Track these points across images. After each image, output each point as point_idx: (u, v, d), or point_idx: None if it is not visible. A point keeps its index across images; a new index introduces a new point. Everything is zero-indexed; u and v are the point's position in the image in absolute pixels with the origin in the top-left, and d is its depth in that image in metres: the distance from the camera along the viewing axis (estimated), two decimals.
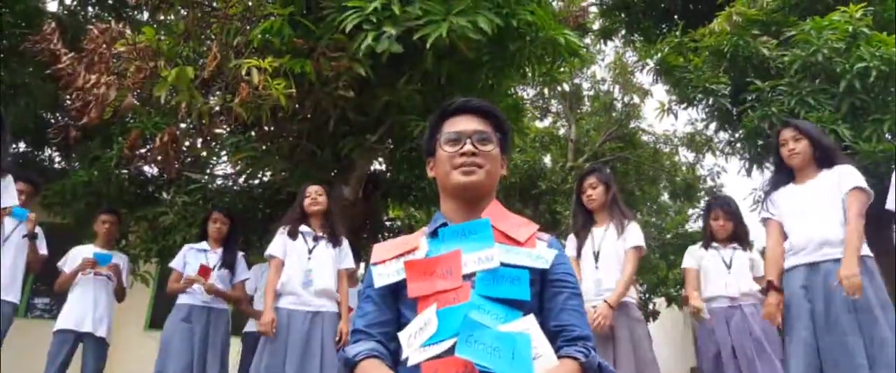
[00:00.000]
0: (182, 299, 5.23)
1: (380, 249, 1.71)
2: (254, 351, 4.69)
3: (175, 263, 5.38)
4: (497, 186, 1.73)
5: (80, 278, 5.38)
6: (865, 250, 3.41)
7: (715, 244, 4.81)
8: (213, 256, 5.36)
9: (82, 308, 5.32)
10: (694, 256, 4.88)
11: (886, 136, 6.26)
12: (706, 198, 14.91)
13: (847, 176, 3.50)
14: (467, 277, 1.54)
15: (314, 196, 4.66)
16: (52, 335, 5.29)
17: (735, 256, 4.72)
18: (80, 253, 5.47)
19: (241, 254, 5.60)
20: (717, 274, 4.69)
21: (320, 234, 4.63)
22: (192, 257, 5.34)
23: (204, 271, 5.15)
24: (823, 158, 3.63)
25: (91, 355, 5.32)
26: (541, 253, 1.60)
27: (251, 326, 5.77)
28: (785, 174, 3.76)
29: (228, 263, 5.40)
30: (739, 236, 4.80)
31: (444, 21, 4.81)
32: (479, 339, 1.39)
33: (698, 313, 4.50)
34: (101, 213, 5.78)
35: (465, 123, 1.68)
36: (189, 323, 5.12)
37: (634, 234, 4.11)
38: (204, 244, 5.45)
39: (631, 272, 4.01)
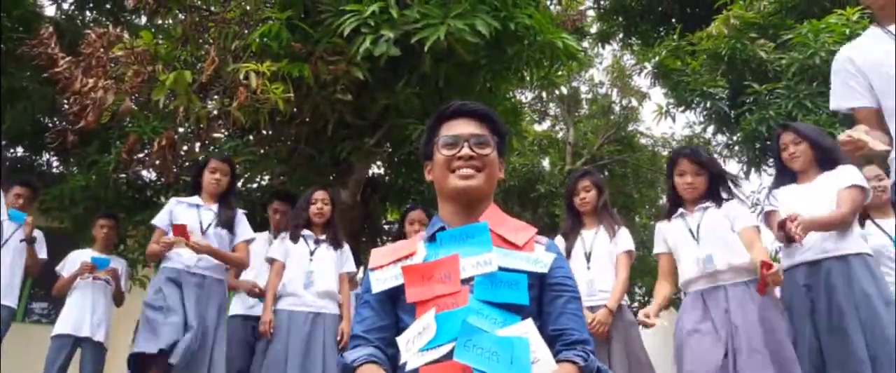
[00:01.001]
0: (168, 263, 4.30)
1: (377, 255, 1.70)
2: (236, 339, 4.65)
3: (158, 220, 4.44)
4: (495, 189, 1.73)
5: (79, 283, 5.35)
6: (866, 249, 3.41)
7: (681, 211, 3.64)
8: (208, 213, 4.43)
9: (80, 313, 5.29)
10: (663, 234, 3.73)
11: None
12: None
13: (846, 174, 3.51)
14: (466, 281, 1.53)
15: (321, 204, 4.64)
16: (50, 340, 5.27)
17: (704, 219, 3.51)
18: (79, 257, 5.45)
19: (241, 212, 4.66)
20: (684, 248, 3.56)
21: (321, 237, 4.63)
22: (181, 213, 4.40)
23: (180, 231, 4.16)
24: (825, 160, 3.62)
25: (89, 359, 5.29)
26: (539, 257, 1.60)
27: (236, 307, 4.94)
28: (787, 177, 3.75)
29: (226, 220, 4.46)
30: (714, 194, 3.57)
31: (442, 24, 4.82)
32: (477, 344, 1.39)
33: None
34: (100, 217, 5.73)
35: (463, 127, 1.68)
36: (177, 287, 4.18)
37: (625, 239, 4.12)
38: (195, 198, 4.50)
39: (625, 277, 4.02)
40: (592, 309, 3.91)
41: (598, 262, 4.07)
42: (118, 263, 5.66)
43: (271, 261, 4.56)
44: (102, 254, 5.53)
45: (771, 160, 6.28)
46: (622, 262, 4.05)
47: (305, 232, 4.62)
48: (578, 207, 4.26)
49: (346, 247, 4.76)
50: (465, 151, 1.63)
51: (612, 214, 4.29)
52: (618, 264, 4.05)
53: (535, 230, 1.68)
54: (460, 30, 4.79)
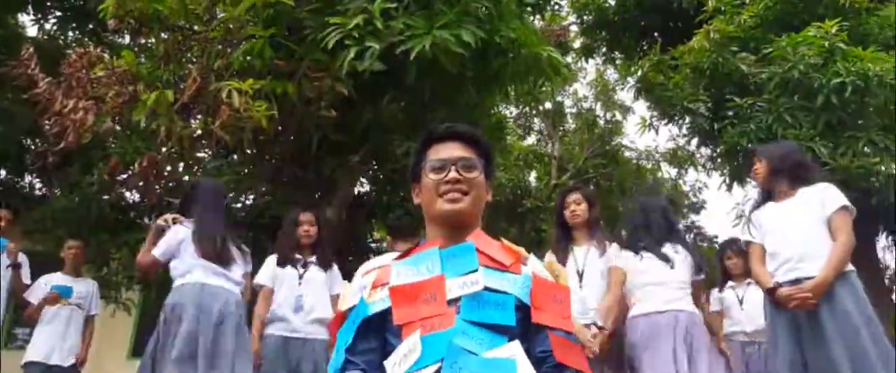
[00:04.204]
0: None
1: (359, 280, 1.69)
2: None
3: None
4: (482, 211, 1.72)
5: (48, 309, 5.24)
6: (849, 266, 3.43)
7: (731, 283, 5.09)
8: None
9: (50, 340, 5.20)
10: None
11: (864, 150, 6.34)
12: (689, 213, 15.05)
13: (831, 196, 3.53)
14: (452, 302, 1.52)
15: (307, 226, 4.58)
16: (22, 368, 5.15)
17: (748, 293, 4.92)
18: (48, 282, 5.33)
19: None
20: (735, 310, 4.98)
21: (310, 259, 4.57)
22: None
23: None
24: (795, 177, 3.66)
25: None
26: (526, 281, 1.58)
27: None
28: (764, 196, 3.81)
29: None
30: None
31: (427, 35, 4.81)
32: (463, 366, 1.37)
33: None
34: (69, 239, 5.68)
35: (450, 150, 1.68)
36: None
37: (615, 254, 4.09)
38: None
39: (617, 293, 3.99)
40: (586, 326, 3.87)
41: (590, 280, 4.01)
42: (87, 285, 5.56)
43: (259, 287, 4.48)
44: (70, 276, 5.44)
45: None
46: (614, 277, 3.99)
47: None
48: (569, 220, 4.19)
49: (336, 268, 4.70)
50: (453, 174, 1.63)
51: (602, 231, 4.27)
52: (610, 280, 4.00)
53: (520, 253, 1.67)
54: (446, 39, 4.79)
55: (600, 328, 3.82)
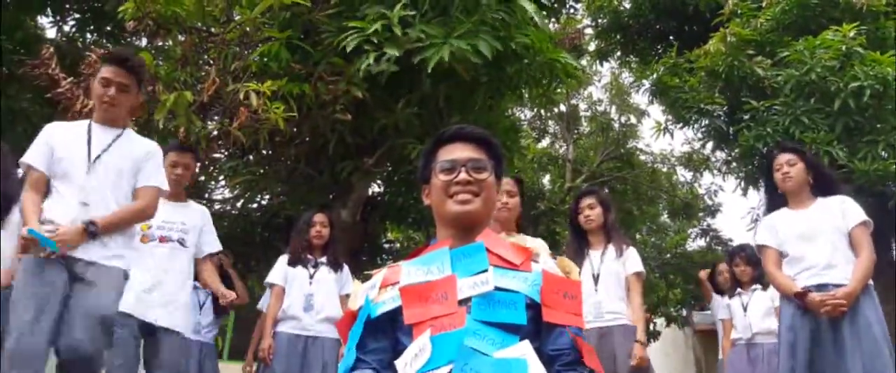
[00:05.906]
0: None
1: (368, 286, 1.70)
2: None
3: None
4: (492, 212, 1.73)
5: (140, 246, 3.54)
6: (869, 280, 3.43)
7: (739, 290, 5.17)
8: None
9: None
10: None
11: (882, 154, 6.29)
12: (705, 216, 14.97)
13: (852, 209, 3.51)
14: (463, 302, 1.53)
15: (320, 227, 4.63)
16: None
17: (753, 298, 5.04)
18: None
19: None
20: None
21: (321, 260, 4.62)
22: None
23: None
24: (821, 186, 3.63)
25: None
26: (536, 279, 1.59)
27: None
28: (779, 200, 3.74)
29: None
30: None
31: (445, 44, 4.82)
32: (474, 367, 1.38)
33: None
34: (169, 150, 3.90)
35: (460, 151, 1.68)
36: None
37: (635, 259, 4.05)
38: None
39: (640, 301, 3.99)
40: (601, 330, 3.86)
41: (606, 283, 3.98)
42: (192, 215, 3.94)
43: (271, 285, 4.55)
44: (172, 202, 3.77)
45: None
46: (634, 284, 4.00)
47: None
48: (583, 225, 4.17)
49: (346, 268, 4.74)
50: (463, 175, 1.63)
51: (619, 233, 4.24)
52: (630, 287, 4.00)
53: (532, 250, 1.68)
54: (462, 50, 4.80)
55: (640, 342, 3.83)
